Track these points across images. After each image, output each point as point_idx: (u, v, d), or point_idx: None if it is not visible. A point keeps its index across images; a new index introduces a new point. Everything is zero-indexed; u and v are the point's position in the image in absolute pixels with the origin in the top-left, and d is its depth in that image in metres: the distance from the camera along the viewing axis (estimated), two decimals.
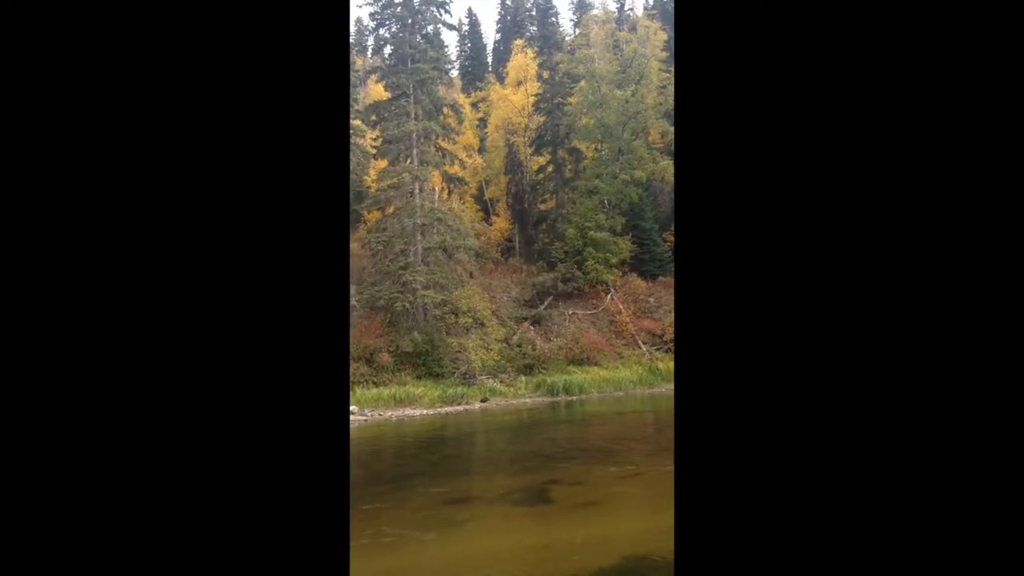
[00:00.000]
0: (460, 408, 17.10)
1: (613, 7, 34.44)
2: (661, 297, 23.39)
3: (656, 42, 26.10)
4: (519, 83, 28.23)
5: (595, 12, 31.39)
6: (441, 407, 17.07)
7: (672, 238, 26.32)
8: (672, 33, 30.23)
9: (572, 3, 40.36)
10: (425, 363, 18.47)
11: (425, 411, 16.67)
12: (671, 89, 25.53)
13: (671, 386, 19.35)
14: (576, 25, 35.75)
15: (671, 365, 20.28)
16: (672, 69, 26.29)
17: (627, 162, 24.19)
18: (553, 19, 34.51)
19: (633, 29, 27.43)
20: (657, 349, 21.33)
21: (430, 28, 22.45)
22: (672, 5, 38.59)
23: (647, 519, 6.61)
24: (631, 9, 36.65)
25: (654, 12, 32.89)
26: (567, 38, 31.21)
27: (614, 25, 28.44)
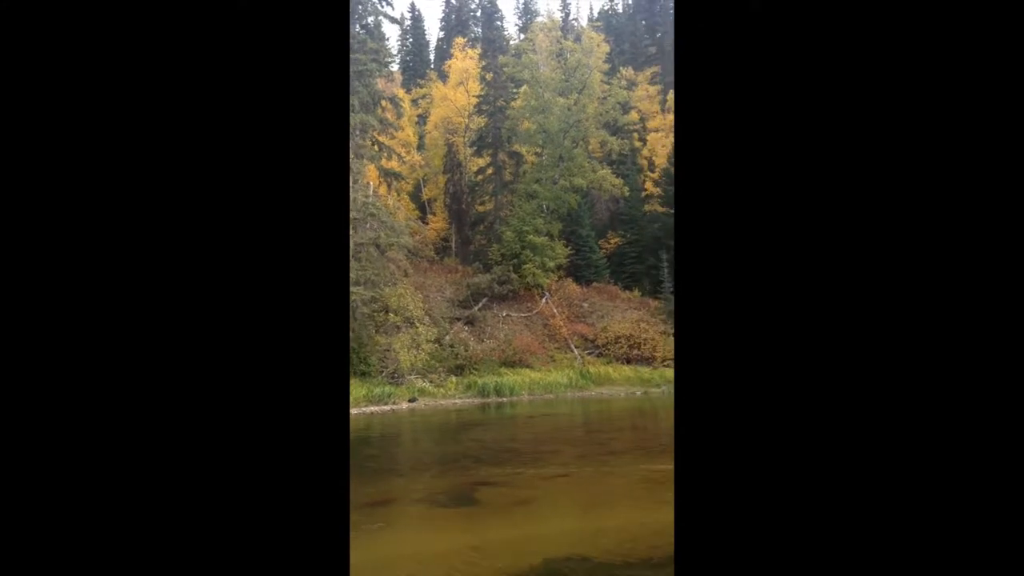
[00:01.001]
0: (387, 408, 16.61)
1: (559, 15, 34.88)
2: (595, 302, 23.73)
3: (599, 54, 26.58)
4: (460, 83, 28.02)
5: (541, 19, 31.73)
6: (367, 407, 16.50)
7: (607, 246, 26.84)
8: (615, 45, 30.95)
9: (518, 8, 40.69)
10: (351, 361, 17.86)
11: (350, 411, 16.08)
12: (611, 101, 26.07)
13: (601, 389, 19.62)
14: (521, 30, 36.03)
15: (602, 369, 20.56)
16: (612, 81, 26.90)
17: (567, 169, 24.46)
18: (499, 22, 34.57)
19: (578, 39, 27.84)
20: (589, 353, 21.58)
21: (371, 19, 21.89)
22: (616, 19, 39.51)
23: (573, 519, 6.54)
24: (575, 19, 37.28)
25: (599, 23, 33.60)
26: (511, 42, 31.35)
27: (559, 33, 28.77)
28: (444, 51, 36.20)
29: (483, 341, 20.78)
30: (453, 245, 27.21)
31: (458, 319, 21.45)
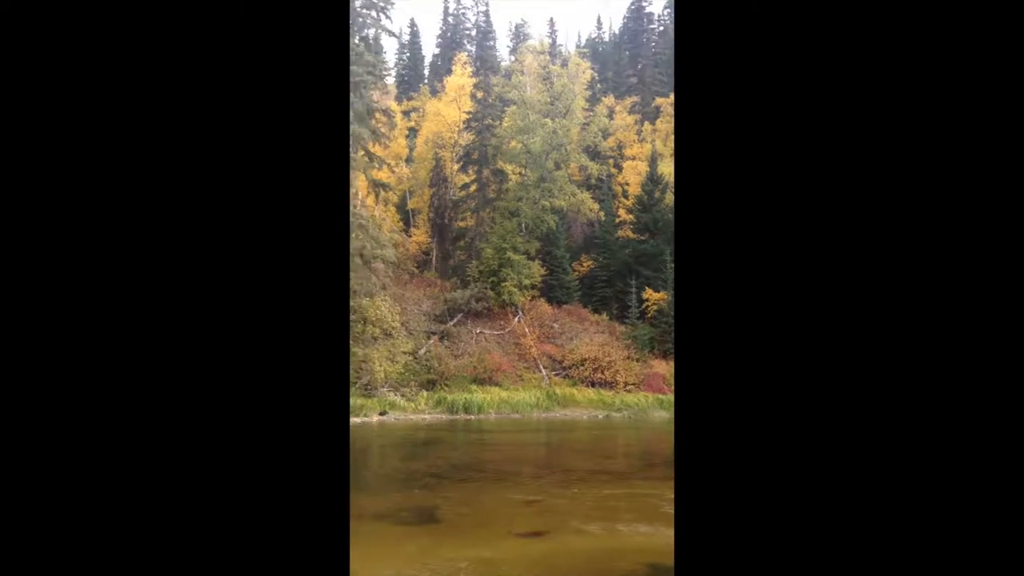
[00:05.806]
0: (358, 420, 16.94)
1: (548, 40, 35.73)
2: (565, 323, 24.38)
3: (583, 80, 27.46)
4: (454, 99, 28.61)
5: (532, 42, 32.52)
6: None
7: (580, 268, 27.54)
8: (599, 73, 31.75)
9: (510, 31, 41.48)
10: None
11: None
12: (593, 127, 26.92)
13: (566, 411, 20.21)
14: (512, 52, 36.78)
15: (567, 391, 21.17)
16: (595, 110, 27.76)
17: (547, 189, 25.14)
18: (491, 43, 35.31)
19: (565, 64, 28.66)
20: (556, 374, 22.19)
21: (370, 32, 22.36)
22: (602, 46, 40.48)
23: (533, 540, 6.99)
24: (563, 45, 38.22)
25: (585, 51, 34.50)
26: (502, 63, 32.06)
27: (547, 57, 29.58)
28: (438, 67, 36.77)
29: (456, 357, 21.23)
30: (433, 259, 27.67)
31: (434, 333, 21.88)
